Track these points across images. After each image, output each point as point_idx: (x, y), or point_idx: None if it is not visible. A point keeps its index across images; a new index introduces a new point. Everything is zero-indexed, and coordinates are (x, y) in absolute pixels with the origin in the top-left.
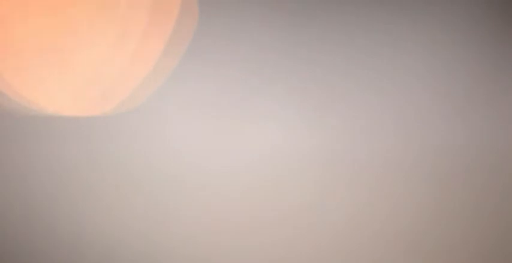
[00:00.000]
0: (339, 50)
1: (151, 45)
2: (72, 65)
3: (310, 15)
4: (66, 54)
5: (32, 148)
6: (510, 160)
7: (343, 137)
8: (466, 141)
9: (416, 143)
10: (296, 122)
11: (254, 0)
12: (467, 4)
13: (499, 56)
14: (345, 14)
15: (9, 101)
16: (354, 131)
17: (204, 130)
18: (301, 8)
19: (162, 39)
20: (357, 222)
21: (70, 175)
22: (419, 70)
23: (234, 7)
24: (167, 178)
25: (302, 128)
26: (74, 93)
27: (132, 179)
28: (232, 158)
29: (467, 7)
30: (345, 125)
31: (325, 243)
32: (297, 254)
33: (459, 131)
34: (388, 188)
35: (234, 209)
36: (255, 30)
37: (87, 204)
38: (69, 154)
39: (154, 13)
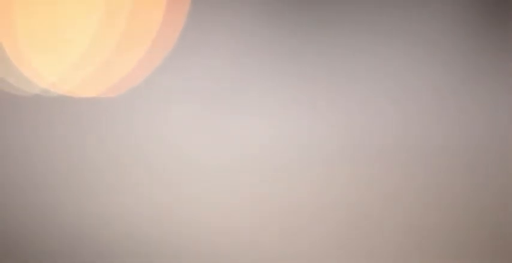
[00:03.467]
0: (336, 42)
1: (144, 32)
2: (64, 45)
3: (304, 7)
4: (59, 35)
5: (23, 128)
6: (509, 156)
7: (342, 130)
8: (465, 137)
9: (415, 137)
10: (295, 116)
11: None
12: (467, 2)
13: (497, 55)
14: (340, 7)
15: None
16: (353, 125)
17: (198, 119)
18: (294, 0)
19: (154, 26)
20: (356, 217)
21: (58, 155)
22: (419, 66)
23: None
24: (157, 166)
25: (301, 123)
26: (66, 74)
27: (119, 163)
28: (227, 149)
29: (467, 5)
30: (344, 118)
31: (323, 236)
32: (296, 249)
33: (458, 126)
34: (387, 183)
35: (229, 200)
36: (251, 21)
37: (75, 189)
38: (58, 133)
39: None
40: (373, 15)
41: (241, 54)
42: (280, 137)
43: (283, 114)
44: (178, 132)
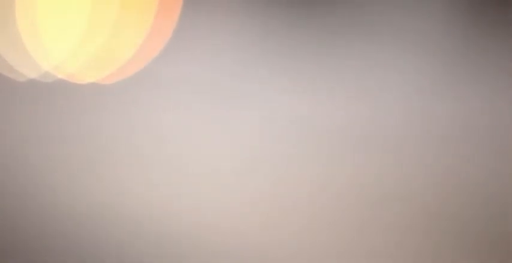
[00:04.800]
0: (338, 41)
1: (144, 19)
2: (64, 30)
3: (306, 4)
4: (59, 21)
5: (19, 113)
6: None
7: (343, 129)
8: (465, 137)
9: (415, 137)
10: (295, 115)
11: None
12: (466, 2)
13: (498, 55)
14: (341, 6)
15: None
16: (353, 124)
17: (196, 109)
18: None
19: (153, 13)
20: (356, 217)
21: (55, 141)
22: (419, 66)
23: None
24: (155, 153)
25: (301, 122)
26: (64, 59)
27: (117, 154)
28: (225, 143)
29: (467, 5)
30: (345, 118)
31: (323, 236)
32: (296, 249)
33: (458, 126)
34: (388, 181)
35: (229, 199)
36: (253, 13)
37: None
38: (55, 119)
39: None
40: (374, 14)
41: (241, 48)
42: (280, 135)
43: (284, 111)
44: (176, 122)
